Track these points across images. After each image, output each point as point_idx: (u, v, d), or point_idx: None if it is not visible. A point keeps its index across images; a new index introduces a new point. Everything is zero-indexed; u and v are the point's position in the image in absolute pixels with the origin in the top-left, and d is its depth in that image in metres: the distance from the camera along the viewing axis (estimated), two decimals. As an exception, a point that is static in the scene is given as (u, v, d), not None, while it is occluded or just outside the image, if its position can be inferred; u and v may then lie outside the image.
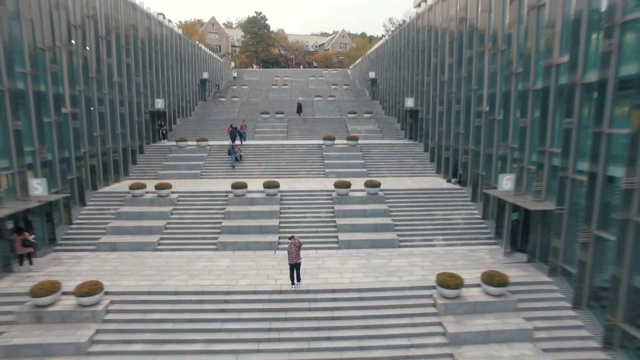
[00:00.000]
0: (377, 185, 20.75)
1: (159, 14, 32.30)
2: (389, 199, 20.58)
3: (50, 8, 17.87)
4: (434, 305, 12.97)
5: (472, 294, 13.18)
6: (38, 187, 15.80)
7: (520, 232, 16.86)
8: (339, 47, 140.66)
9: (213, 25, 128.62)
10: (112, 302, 12.84)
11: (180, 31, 39.08)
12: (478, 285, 13.48)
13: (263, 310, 12.82)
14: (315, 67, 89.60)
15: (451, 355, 11.47)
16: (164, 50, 32.65)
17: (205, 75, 45.71)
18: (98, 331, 11.94)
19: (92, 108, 21.86)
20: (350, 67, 74.57)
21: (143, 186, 20.55)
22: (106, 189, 22.13)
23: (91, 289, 12.54)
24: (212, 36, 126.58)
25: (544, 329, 12.30)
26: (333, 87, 52.35)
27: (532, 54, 15.86)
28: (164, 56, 32.60)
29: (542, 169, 15.34)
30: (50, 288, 12.49)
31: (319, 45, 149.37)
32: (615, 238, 11.56)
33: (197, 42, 46.53)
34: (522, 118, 16.47)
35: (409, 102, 31.06)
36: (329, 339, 11.96)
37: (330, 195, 20.80)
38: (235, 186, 20.46)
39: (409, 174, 25.71)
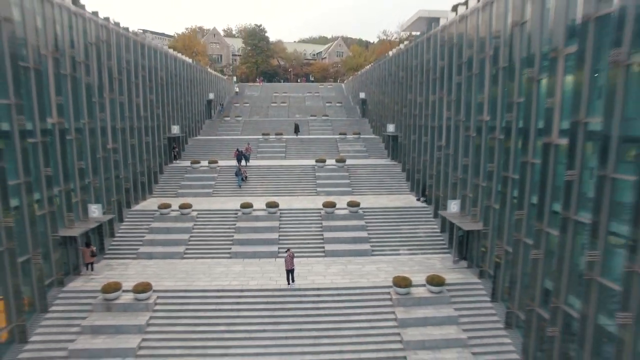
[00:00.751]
0: (357, 204, 25.80)
1: (175, 50, 37.25)
2: (367, 215, 25.63)
3: (101, 68, 22.86)
4: (390, 299, 17.99)
5: (419, 292, 18.20)
6: (95, 211, 20.80)
7: (465, 244, 21.90)
8: (336, 56, 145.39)
9: (214, 35, 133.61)
10: (158, 297, 17.83)
11: (190, 60, 44.10)
12: (424, 285, 18.50)
13: (267, 303, 17.82)
14: (312, 81, 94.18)
15: (399, 334, 16.48)
16: (178, 80, 37.66)
17: (211, 96, 50.73)
18: (151, 317, 16.93)
19: (126, 141, 26.83)
20: (345, 81, 79.67)
21: (169, 205, 25.55)
22: (137, 207, 27.11)
23: (144, 287, 17.54)
24: (213, 46, 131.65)
25: (467, 316, 17.32)
26: (327, 104, 57.31)
27: (472, 110, 20.91)
28: (178, 86, 37.61)
29: (477, 198, 20.40)
30: (115, 286, 17.49)
31: (317, 54, 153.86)
32: (512, 252, 16.62)
33: (205, 67, 51.50)
34: (464, 157, 21.53)
35: (390, 128, 36.15)
36: (313, 322, 16.97)
37: (320, 212, 25.82)
38: (243, 206, 25.49)
39: (387, 192, 30.73)
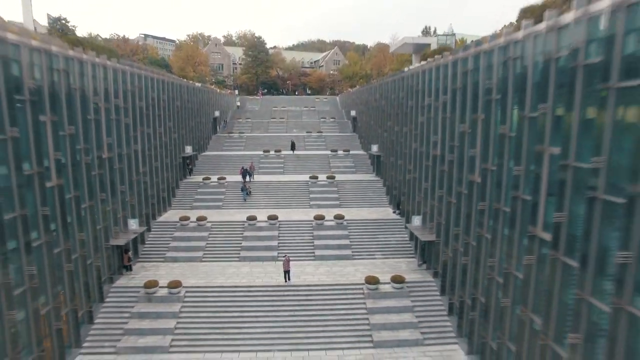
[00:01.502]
0: (342, 217, 31.48)
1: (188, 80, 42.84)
2: (350, 226, 31.29)
3: (135, 108, 28.48)
4: (363, 294, 23.63)
5: (385, 288, 23.84)
6: (133, 224, 26.41)
7: (426, 250, 27.56)
8: (333, 64, 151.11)
9: (216, 45, 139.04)
10: (186, 291, 23.44)
11: (199, 84, 49.71)
12: (389, 283, 24.14)
13: (269, 296, 23.45)
14: (309, 93, 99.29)
15: (367, 319, 22.10)
16: (190, 105, 43.29)
17: (216, 113, 56.34)
18: (182, 306, 22.54)
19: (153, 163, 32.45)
20: (339, 95, 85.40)
21: (188, 218, 31.19)
22: (161, 218, 32.70)
23: (176, 284, 23.16)
24: (215, 55, 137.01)
25: (420, 306, 22.97)
26: (322, 120, 62.88)
27: (430, 145, 26.56)
28: (190, 110, 43.23)
29: (432, 215, 26.09)
30: (154, 284, 23.11)
31: (315, 62, 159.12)
32: (452, 258, 22.31)
33: (214, 89, 57.13)
34: (425, 182, 27.23)
35: (374, 148, 41.87)
36: (305, 310, 22.61)
37: (312, 223, 31.46)
38: (249, 218, 31.13)
39: (369, 205, 36.38)
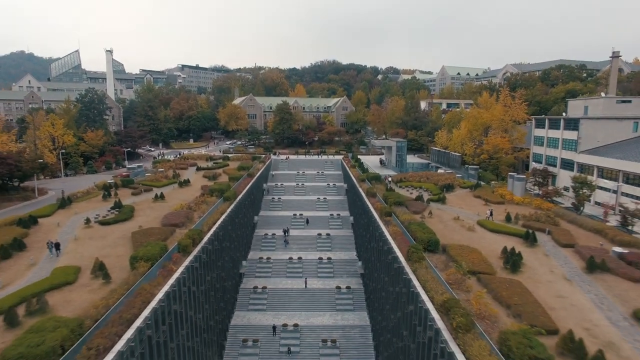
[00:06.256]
0: (330, 258, 70.62)
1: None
2: (333, 265, 70.38)
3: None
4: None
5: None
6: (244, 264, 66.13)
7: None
8: (342, 109, 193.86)
9: (250, 99, 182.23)
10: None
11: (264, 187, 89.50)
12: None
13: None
14: (323, 151, 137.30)
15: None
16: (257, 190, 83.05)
17: (264, 186, 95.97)
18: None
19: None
20: (342, 157, 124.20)
21: (269, 257, 70.90)
22: (249, 256, 72.29)
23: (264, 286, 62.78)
24: (249, 108, 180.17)
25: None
26: (327, 186, 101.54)
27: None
28: (259, 201, 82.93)
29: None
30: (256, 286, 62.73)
31: (327, 107, 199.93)
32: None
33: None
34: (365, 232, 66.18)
35: (351, 219, 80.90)
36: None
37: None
38: (289, 259, 70.49)
39: (349, 249, 75.24)
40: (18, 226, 46.54)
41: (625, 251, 38.93)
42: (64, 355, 22.52)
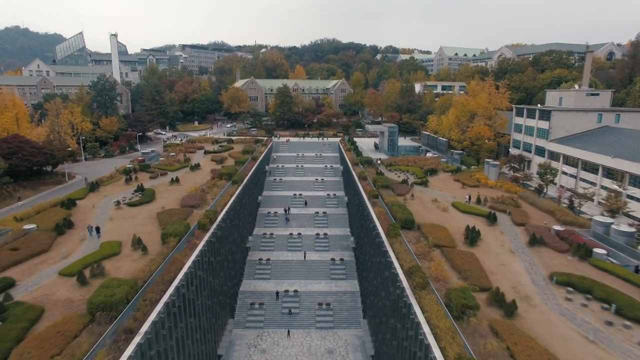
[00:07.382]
0: (326, 234, 79.78)
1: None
2: (328, 240, 79.59)
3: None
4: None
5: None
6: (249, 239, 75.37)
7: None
8: (340, 91, 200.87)
9: (252, 82, 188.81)
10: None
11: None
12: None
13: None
14: (322, 134, 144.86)
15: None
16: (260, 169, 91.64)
17: (267, 168, 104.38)
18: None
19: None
20: (339, 139, 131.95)
21: (272, 232, 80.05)
22: (255, 232, 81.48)
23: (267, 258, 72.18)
24: (251, 91, 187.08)
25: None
26: (325, 168, 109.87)
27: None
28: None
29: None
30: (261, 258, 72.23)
31: (326, 89, 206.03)
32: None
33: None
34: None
35: (345, 199, 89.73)
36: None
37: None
38: (289, 234, 79.62)
39: (343, 226, 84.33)
40: (62, 207, 55.29)
41: (562, 229, 47.70)
42: (129, 303, 31.58)
